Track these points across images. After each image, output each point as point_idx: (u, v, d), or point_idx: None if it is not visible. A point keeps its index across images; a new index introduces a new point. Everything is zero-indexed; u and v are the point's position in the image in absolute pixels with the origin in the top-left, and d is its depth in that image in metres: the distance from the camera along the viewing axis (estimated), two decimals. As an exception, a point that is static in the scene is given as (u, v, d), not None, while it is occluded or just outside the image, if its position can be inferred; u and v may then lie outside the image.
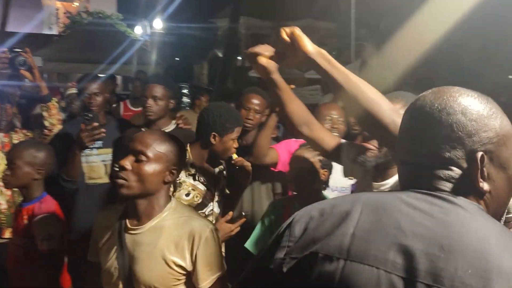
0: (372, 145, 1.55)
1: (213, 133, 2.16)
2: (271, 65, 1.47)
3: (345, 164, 1.78)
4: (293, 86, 1.83)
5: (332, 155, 1.77)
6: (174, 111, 3.77)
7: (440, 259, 0.70)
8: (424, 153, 0.82)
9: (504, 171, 0.81)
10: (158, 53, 15.13)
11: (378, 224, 0.77)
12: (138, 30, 15.81)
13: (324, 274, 0.77)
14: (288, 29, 1.30)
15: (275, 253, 0.85)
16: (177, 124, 2.87)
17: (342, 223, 0.79)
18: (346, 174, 1.86)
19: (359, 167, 1.67)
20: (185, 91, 8.54)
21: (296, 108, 1.65)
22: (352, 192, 2.51)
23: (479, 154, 0.78)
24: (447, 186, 0.80)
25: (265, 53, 1.42)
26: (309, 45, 1.28)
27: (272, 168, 2.60)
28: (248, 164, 2.29)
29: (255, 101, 2.75)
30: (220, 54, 13.18)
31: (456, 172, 0.80)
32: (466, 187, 0.79)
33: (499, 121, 0.81)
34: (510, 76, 12.26)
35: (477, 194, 0.80)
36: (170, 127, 2.86)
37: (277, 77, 1.53)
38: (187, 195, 2.17)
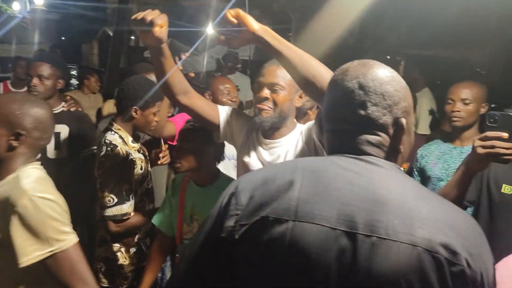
0: (267, 106, 1.67)
1: (134, 107, 2.15)
2: (164, 35, 1.51)
3: (223, 129, 1.87)
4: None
5: (209, 122, 1.85)
6: (63, 92, 3.57)
7: (375, 212, 0.79)
8: (356, 121, 0.91)
9: (409, 135, 0.95)
10: (41, 32, 13.83)
11: (319, 187, 0.85)
12: (16, 6, 14.25)
13: (275, 236, 0.83)
14: (233, 11, 1.36)
15: (224, 222, 0.89)
16: (68, 107, 2.75)
17: (287, 188, 0.86)
18: (222, 138, 1.95)
19: (241, 127, 1.77)
20: (73, 72, 7.99)
21: (177, 77, 1.70)
22: None
23: (404, 120, 0.92)
24: (374, 150, 0.91)
25: (158, 21, 1.45)
26: (254, 24, 1.36)
27: (169, 142, 2.63)
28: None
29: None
30: (111, 33, 12.51)
31: (383, 137, 0.91)
32: (388, 149, 0.92)
33: (409, 92, 0.96)
34: (388, 57, 13.49)
35: (395, 155, 0.93)
36: (58, 109, 2.73)
37: (165, 46, 1.59)
38: (141, 168, 2.21)
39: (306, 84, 1.38)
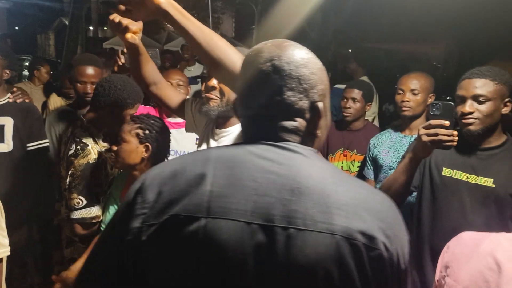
0: (214, 95, 1.65)
1: (113, 106, 2.03)
2: (137, 41, 1.57)
3: (188, 119, 1.87)
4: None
5: (178, 111, 1.88)
6: (11, 83, 3.40)
7: (292, 202, 0.75)
8: (271, 106, 0.85)
9: (325, 118, 0.91)
10: (-9, 21, 13.17)
11: (234, 178, 0.79)
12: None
13: (186, 235, 0.75)
14: None
15: (130, 223, 0.80)
16: (14, 99, 2.62)
17: (198, 182, 0.79)
18: (188, 129, 1.93)
19: (202, 118, 1.77)
20: (26, 63, 7.65)
21: (149, 69, 1.73)
22: None
23: (320, 104, 0.87)
24: (291, 136, 0.86)
25: (132, 28, 1.48)
26: None
27: None
28: None
29: (90, 72, 2.58)
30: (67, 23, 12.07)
31: (300, 122, 0.86)
32: (305, 134, 0.87)
33: (326, 74, 0.91)
34: (350, 50, 13.72)
35: (312, 140, 0.89)
36: (3, 100, 2.60)
37: (139, 43, 1.60)
38: (111, 168, 2.13)
39: (213, 65, 1.29)
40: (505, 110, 1.45)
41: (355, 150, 2.47)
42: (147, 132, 1.82)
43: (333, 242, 0.72)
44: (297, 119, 0.86)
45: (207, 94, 1.67)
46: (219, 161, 0.82)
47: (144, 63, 1.69)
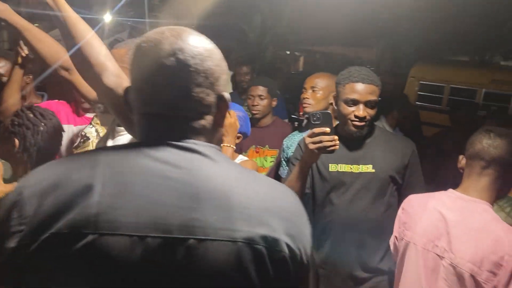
0: None
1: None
2: (5, 10, 1.44)
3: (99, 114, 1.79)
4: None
5: (92, 100, 1.75)
6: None
7: (192, 209, 0.69)
8: (176, 104, 0.77)
9: (227, 107, 0.84)
10: None
11: (125, 186, 0.70)
12: None
13: (71, 255, 0.66)
14: None
15: (4, 243, 0.68)
16: None
17: (84, 192, 0.68)
18: (102, 123, 1.89)
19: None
20: None
21: (48, 49, 1.55)
22: None
23: (226, 94, 0.81)
24: (196, 136, 0.78)
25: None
26: None
27: None
28: None
29: None
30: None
31: (207, 119, 0.79)
32: (211, 131, 0.80)
33: (225, 61, 0.84)
34: (288, 52, 14.03)
35: (217, 135, 0.82)
36: None
37: (15, 18, 1.46)
38: None
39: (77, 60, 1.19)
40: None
41: (267, 146, 2.52)
42: (16, 126, 1.63)
43: (235, 249, 0.67)
44: (205, 116, 0.79)
45: None
46: (109, 165, 0.72)
47: (35, 41, 1.51)
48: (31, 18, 1.57)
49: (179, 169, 0.72)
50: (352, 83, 1.57)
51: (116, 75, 1.14)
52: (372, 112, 1.57)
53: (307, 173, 1.52)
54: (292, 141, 2.23)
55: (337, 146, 1.36)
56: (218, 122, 0.81)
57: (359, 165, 1.61)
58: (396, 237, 1.45)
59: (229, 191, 0.72)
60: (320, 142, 1.35)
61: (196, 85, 0.77)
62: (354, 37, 13.75)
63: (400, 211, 1.46)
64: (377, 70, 13.51)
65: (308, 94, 2.10)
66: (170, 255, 0.66)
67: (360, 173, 1.60)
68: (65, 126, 2.32)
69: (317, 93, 2.09)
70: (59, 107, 2.33)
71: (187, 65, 0.76)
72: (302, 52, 15.33)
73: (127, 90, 0.83)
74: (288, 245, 0.71)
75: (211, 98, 0.79)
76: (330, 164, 1.63)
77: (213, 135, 0.81)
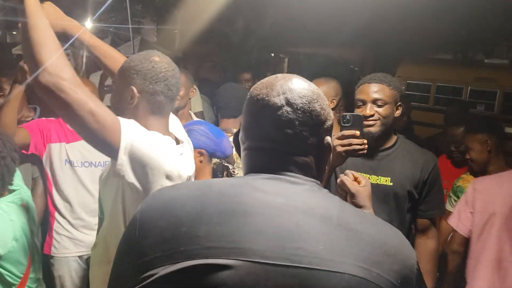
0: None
1: None
2: (75, 26, 1.46)
3: None
4: None
5: None
6: None
7: (295, 238, 0.70)
8: (282, 140, 0.82)
9: (330, 152, 0.90)
10: None
11: (245, 219, 0.72)
12: None
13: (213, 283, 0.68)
14: None
15: (134, 270, 0.73)
16: None
17: (198, 220, 0.72)
18: None
19: None
20: None
21: (116, 64, 1.53)
22: None
23: (329, 139, 0.87)
24: (299, 171, 0.83)
25: None
26: None
27: (23, 151, 2.21)
28: None
29: None
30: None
31: (310, 158, 0.84)
32: (313, 171, 0.85)
33: (331, 110, 0.90)
34: (272, 54, 14.04)
35: (320, 176, 0.87)
36: None
37: (83, 36, 1.47)
38: None
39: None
40: (397, 113, 1.59)
41: None
42: None
43: (343, 280, 0.68)
44: (308, 155, 0.84)
45: None
46: (220, 194, 0.77)
47: (104, 58, 1.55)
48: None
49: (284, 197, 0.77)
50: (361, 85, 1.60)
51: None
52: (381, 110, 1.53)
53: (329, 177, 1.49)
54: None
55: (365, 150, 1.34)
56: (320, 164, 0.87)
57: (377, 176, 1.57)
58: (471, 212, 1.76)
59: (332, 220, 0.74)
60: (350, 145, 1.33)
61: (301, 124, 0.83)
62: (337, 37, 13.83)
63: (470, 190, 1.82)
64: (361, 70, 13.61)
65: None
66: (283, 281, 0.68)
67: (377, 184, 1.55)
68: (56, 145, 2.24)
69: None
70: (49, 125, 2.24)
71: (294, 103, 0.83)
72: (286, 54, 15.35)
73: (237, 132, 0.92)
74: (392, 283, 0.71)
75: (314, 140, 0.84)
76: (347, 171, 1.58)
77: (316, 173, 0.86)
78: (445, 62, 8.18)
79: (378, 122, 1.53)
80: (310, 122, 0.83)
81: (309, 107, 0.83)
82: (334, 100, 2.21)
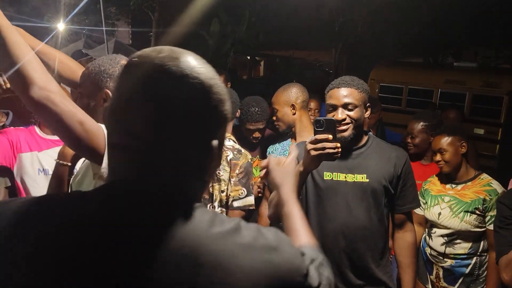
0: None
1: None
2: None
3: None
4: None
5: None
6: None
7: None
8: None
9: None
10: None
11: None
12: None
13: None
14: None
15: None
16: None
17: None
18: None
19: None
20: None
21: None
22: None
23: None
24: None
25: None
26: None
27: None
28: None
29: None
30: None
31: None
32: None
33: None
34: (248, 57, 14.08)
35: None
36: None
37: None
38: None
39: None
40: (367, 114, 1.62)
41: (257, 156, 2.54)
42: None
43: None
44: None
45: None
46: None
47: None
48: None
49: None
50: (330, 90, 1.60)
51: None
52: (353, 114, 1.55)
53: (304, 180, 1.48)
54: (274, 148, 2.24)
55: (339, 154, 1.34)
56: None
57: (353, 174, 1.59)
58: None
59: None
60: (323, 149, 1.32)
61: None
62: (313, 41, 14.02)
63: None
64: (335, 72, 13.81)
65: (274, 115, 2.22)
66: None
67: (355, 182, 1.58)
68: (27, 155, 2.16)
69: (277, 111, 2.21)
70: (18, 135, 2.17)
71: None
72: (262, 57, 15.45)
73: None
74: None
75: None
76: (325, 172, 1.60)
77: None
78: (416, 66, 8.40)
79: (351, 126, 1.55)
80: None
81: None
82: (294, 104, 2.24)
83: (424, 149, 2.41)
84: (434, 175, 2.14)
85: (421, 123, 2.43)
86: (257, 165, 2.50)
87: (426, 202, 2.06)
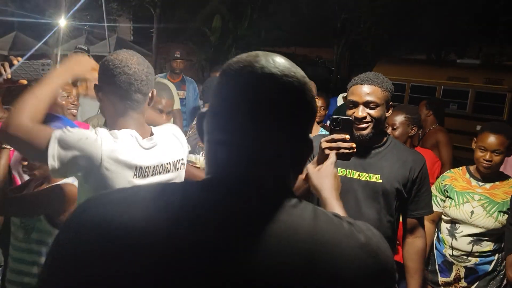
0: None
1: None
2: None
3: None
4: None
5: None
6: None
7: None
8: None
9: None
10: None
11: None
12: None
13: None
14: None
15: None
16: None
17: None
18: None
19: None
20: None
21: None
22: None
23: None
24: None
25: None
26: None
27: None
28: None
29: None
30: None
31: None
32: None
33: None
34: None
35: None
36: None
37: None
38: None
39: None
40: (388, 113, 1.58)
41: None
42: None
43: None
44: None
45: None
46: None
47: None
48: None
49: None
50: (353, 86, 1.55)
51: None
52: (374, 112, 1.51)
53: None
54: None
55: (353, 154, 1.32)
56: None
57: (367, 173, 1.56)
58: None
59: None
60: (338, 148, 1.31)
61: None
62: (315, 37, 13.97)
63: None
64: (337, 69, 13.79)
65: None
66: None
67: (368, 181, 1.56)
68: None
69: None
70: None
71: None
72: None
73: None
74: None
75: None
76: (339, 168, 1.56)
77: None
78: (419, 62, 8.36)
79: (371, 124, 1.51)
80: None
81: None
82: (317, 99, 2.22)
83: (403, 141, 2.43)
84: (452, 170, 2.09)
85: (404, 115, 2.43)
86: None
87: (452, 199, 1.96)
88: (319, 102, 2.90)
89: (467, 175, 1.99)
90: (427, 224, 1.97)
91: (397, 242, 1.74)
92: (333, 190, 1.05)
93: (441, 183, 2.01)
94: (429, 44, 11.43)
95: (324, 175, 1.07)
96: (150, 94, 1.32)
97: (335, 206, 0.95)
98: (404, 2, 10.41)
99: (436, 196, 1.98)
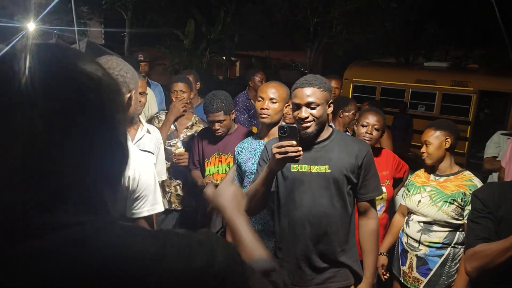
0: None
1: None
2: None
3: None
4: None
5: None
6: None
7: None
8: None
9: None
10: None
11: None
12: None
13: None
14: None
15: None
16: None
17: None
18: None
19: None
20: None
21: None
22: None
23: None
24: None
25: None
26: None
27: None
28: None
29: None
30: None
31: None
32: None
33: None
34: (224, 57, 14.04)
35: None
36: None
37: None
38: None
39: None
40: (329, 110, 1.75)
41: (229, 153, 2.52)
42: None
43: None
44: None
45: None
46: None
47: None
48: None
49: None
50: (295, 90, 1.70)
51: None
52: (315, 112, 1.67)
53: (273, 178, 1.63)
54: (243, 148, 2.25)
55: (301, 157, 1.48)
56: None
57: (317, 165, 1.72)
58: None
59: None
60: (286, 153, 1.47)
61: None
62: (288, 41, 14.12)
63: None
64: (310, 72, 13.93)
65: (266, 104, 2.14)
66: None
67: (318, 173, 1.70)
68: None
69: (275, 104, 2.14)
70: None
71: None
72: (237, 57, 15.45)
73: None
74: None
75: None
76: (292, 165, 1.72)
77: None
78: (389, 66, 8.56)
79: (314, 123, 1.68)
80: None
81: None
82: (288, 105, 2.24)
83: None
84: (422, 169, 2.22)
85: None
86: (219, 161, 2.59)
87: (409, 191, 2.14)
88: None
89: (430, 171, 2.17)
90: (397, 217, 2.16)
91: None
92: (234, 205, 1.01)
93: (408, 180, 2.19)
94: (398, 48, 11.71)
95: (220, 194, 1.05)
96: None
97: (240, 223, 0.94)
98: (374, 8, 10.66)
99: (404, 192, 2.18)
